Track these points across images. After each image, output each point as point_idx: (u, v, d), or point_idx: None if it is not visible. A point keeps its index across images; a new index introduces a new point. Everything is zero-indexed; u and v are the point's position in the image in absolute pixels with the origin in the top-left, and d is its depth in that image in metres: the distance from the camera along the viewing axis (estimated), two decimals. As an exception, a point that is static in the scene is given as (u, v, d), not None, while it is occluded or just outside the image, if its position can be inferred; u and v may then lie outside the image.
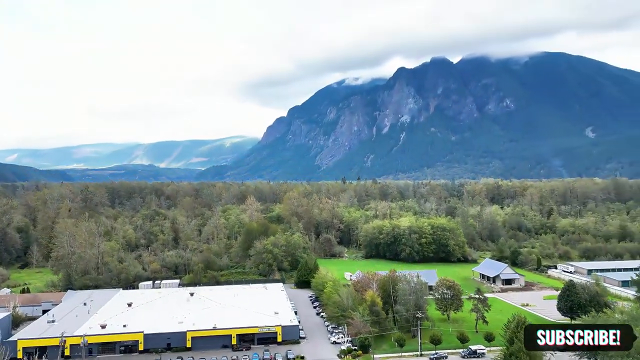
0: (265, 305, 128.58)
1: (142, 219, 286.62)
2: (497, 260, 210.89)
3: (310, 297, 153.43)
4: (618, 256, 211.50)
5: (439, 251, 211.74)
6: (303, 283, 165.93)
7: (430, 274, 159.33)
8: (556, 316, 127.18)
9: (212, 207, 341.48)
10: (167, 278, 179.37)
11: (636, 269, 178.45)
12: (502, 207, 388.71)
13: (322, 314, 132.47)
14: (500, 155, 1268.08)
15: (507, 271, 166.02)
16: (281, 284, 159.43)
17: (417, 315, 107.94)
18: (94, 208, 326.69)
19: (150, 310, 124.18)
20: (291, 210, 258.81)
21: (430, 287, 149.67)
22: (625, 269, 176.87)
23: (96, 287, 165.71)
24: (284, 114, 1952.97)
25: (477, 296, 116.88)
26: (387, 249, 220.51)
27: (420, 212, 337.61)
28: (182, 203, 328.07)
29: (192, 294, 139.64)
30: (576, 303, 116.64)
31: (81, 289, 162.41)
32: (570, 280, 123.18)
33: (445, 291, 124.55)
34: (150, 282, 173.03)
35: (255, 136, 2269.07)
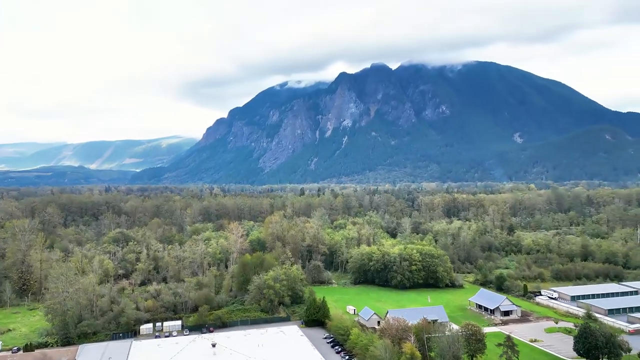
0: (295, 356, 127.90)
1: (111, 243, 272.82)
2: (481, 284, 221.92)
3: (326, 338, 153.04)
4: (587, 277, 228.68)
5: (428, 277, 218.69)
6: (313, 322, 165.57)
7: (438, 311, 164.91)
8: (567, 353, 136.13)
9: (182, 227, 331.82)
10: (167, 319, 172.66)
11: (614, 294, 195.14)
12: (458, 219, 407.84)
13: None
14: (437, 159, 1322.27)
15: (505, 303, 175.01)
16: (296, 326, 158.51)
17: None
18: (53, 231, 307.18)
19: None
20: (273, 234, 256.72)
21: (442, 324, 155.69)
22: (605, 294, 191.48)
23: (94, 333, 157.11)
24: (224, 115, 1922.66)
25: (507, 342, 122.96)
26: (376, 275, 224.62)
27: (386, 227, 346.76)
28: (150, 225, 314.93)
29: (214, 345, 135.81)
30: (593, 345, 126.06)
31: (79, 337, 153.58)
32: (586, 322, 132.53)
33: (472, 336, 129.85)
34: (150, 325, 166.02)
35: (193, 137, 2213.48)
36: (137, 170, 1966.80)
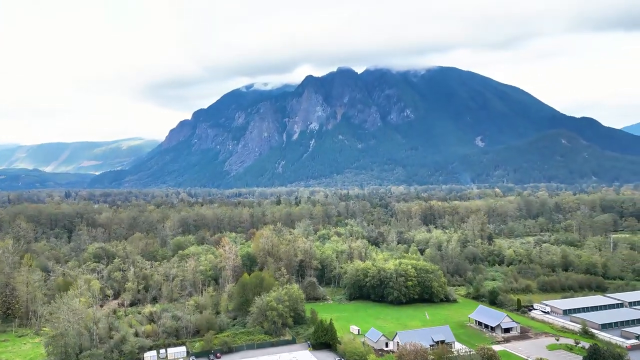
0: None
1: (93, 260, 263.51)
2: (474, 298, 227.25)
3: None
4: (571, 289, 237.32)
5: (423, 292, 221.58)
6: (320, 344, 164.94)
7: (444, 330, 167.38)
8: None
9: (165, 241, 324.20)
10: (171, 345, 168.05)
11: (603, 307, 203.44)
12: (435, 227, 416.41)
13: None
14: (402, 162, 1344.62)
15: (506, 320, 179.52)
16: (307, 351, 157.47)
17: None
18: (27, 247, 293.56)
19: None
20: (264, 250, 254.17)
21: (449, 344, 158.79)
22: (594, 307, 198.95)
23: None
24: (188, 116, 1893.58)
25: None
26: (372, 291, 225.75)
27: (368, 237, 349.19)
28: (131, 239, 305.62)
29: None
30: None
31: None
32: (595, 344, 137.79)
33: None
34: (154, 352, 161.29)
35: (155, 139, 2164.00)
36: (97, 174, 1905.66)
